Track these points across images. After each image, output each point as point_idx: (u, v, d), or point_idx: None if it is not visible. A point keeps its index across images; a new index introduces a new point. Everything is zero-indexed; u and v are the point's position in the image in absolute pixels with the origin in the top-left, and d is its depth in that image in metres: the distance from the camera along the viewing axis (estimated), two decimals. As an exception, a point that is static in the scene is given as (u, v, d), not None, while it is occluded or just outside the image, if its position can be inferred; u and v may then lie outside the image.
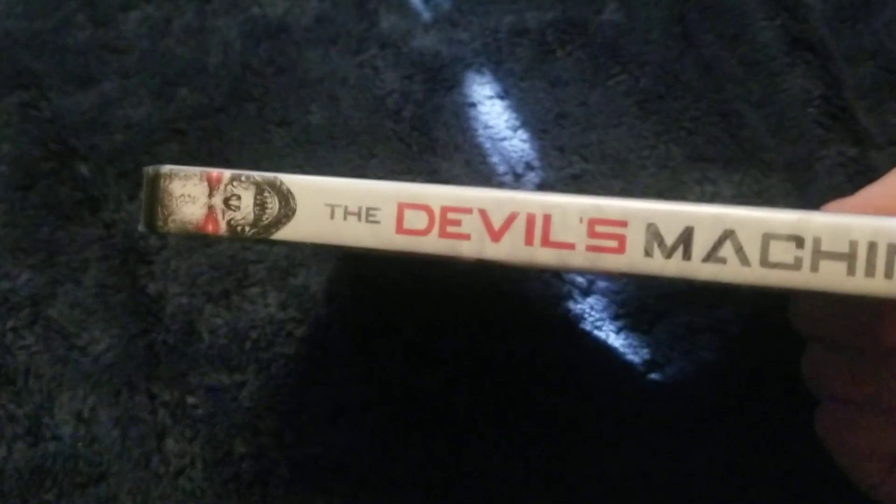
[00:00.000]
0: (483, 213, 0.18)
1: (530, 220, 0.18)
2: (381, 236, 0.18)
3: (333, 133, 0.33)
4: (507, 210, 0.18)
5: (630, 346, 0.31)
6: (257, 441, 0.31)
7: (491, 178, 0.32)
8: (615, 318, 0.31)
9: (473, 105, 0.33)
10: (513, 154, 0.32)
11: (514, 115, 0.32)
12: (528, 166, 0.32)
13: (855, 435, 0.24)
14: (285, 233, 0.19)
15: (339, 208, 0.19)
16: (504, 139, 0.32)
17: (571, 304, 0.31)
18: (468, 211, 0.18)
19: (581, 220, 0.18)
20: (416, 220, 0.18)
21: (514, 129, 0.32)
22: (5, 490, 0.31)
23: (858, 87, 0.31)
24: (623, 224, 0.18)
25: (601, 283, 0.31)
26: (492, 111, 0.33)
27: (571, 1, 0.33)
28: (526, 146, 0.32)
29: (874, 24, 0.31)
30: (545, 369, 0.31)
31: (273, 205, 0.19)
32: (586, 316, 0.31)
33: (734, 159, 0.31)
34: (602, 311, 0.31)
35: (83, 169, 0.33)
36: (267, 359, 0.31)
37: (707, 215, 0.17)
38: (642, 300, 0.31)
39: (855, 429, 0.24)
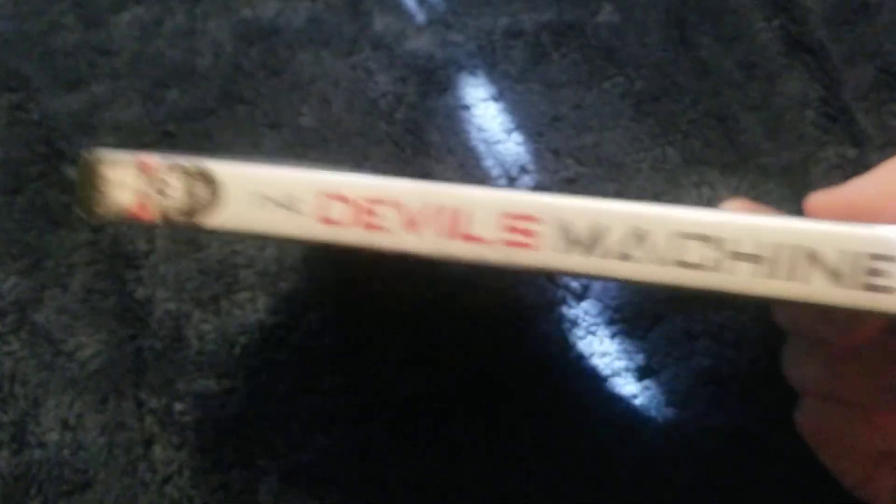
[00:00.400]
0: (399, 205, 0.18)
1: (445, 213, 0.18)
2: (303, 226, 0.18)
3: (326, 135, 0.32)
4: (422, 202, 0.18)
5: (625, 351, 0.30)
6: (246, 449, 0.30)
7: (485, 181, 0.32)
8: (610, 323, 0.30)
9: (467, 107, 0.32)
10: (507, 157, 0.32)
11: (508, 117, 0.32)
12: (523, 169, 0.32)
13: (835, 433, 0.23)
14: (214, 221, 0.18)
15: (266, 197, 0.18)
16: (498, 142, 0.32)
17: (565, 309, 0.31)
18: (385, 202, 0.18)
19: (495, 215, 0.17)
20: (337, 210, 0.18)
21: (509, 132, 0.32)
22: (-11, 498, 0.30)
23: (857, 89, 0.31)
24: (534, 220, 0.17)
25: (596, 288, 0.31)
26: (486, 114, 0.32)
27: (567, 3, 0.33)
28: (520, 149, 0.32)
29: (873, 26, 0.31)
30: (539, 375, 0.30)
31: (202, 192, 0.18)
32: (580, 321, 0.30)
33: (731, 162, 0.31)
34: (597, 315, 0.30)
35: (72, 172, 0.33)
36: (256, 365, 0.31)
37: (620, 212, 0.17)
38: (638, 305, 0.30)
39: (835, 426, 0.23)
